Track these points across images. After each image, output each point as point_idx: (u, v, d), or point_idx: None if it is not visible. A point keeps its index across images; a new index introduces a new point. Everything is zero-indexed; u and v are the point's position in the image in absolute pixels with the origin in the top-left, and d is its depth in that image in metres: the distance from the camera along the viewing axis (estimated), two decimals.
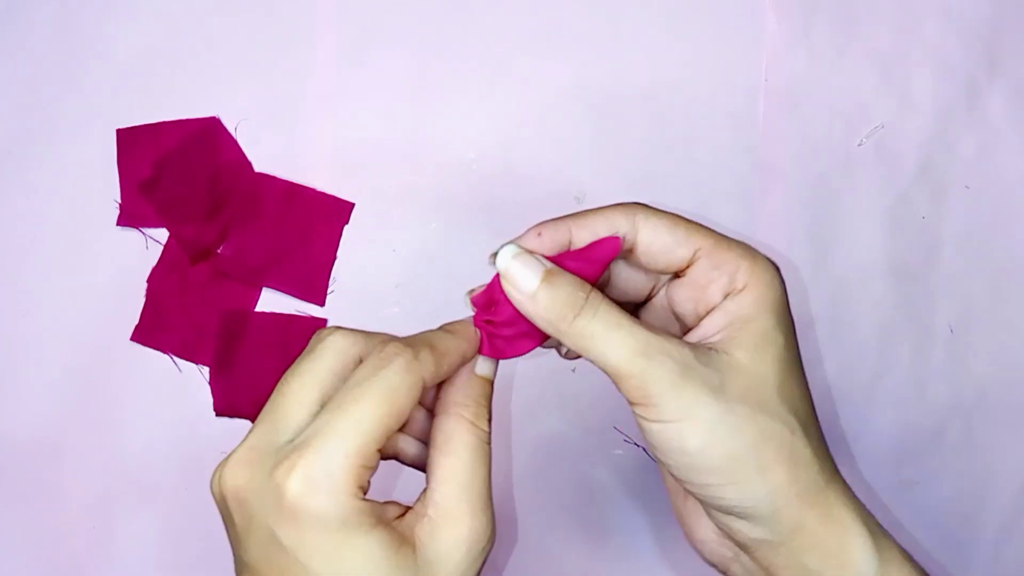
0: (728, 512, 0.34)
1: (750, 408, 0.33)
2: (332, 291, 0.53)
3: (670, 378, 0.32)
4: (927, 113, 0.54)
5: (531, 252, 0.34)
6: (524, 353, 0.36)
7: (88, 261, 0.53)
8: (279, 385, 0.33)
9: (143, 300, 0.53)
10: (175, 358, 0.53)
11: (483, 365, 0.36)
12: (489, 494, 0.34)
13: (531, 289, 0.34)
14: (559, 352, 0.39)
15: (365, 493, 0.31)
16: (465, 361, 0.35)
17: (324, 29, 0.54)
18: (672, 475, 0.34)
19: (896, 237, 0.54)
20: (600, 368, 0.34)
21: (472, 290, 0.36)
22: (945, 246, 0.54)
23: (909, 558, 0.35)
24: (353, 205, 0.53)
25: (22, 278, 0.53)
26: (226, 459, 0.33)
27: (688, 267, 0.36)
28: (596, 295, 0.34)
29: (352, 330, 0.34)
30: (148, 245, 0.53)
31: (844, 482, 0.35)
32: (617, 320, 0.33)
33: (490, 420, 0.35)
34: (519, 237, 0.35)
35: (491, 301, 0.36)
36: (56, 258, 0.53)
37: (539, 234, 0.35)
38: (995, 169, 0.54)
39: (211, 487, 0.34)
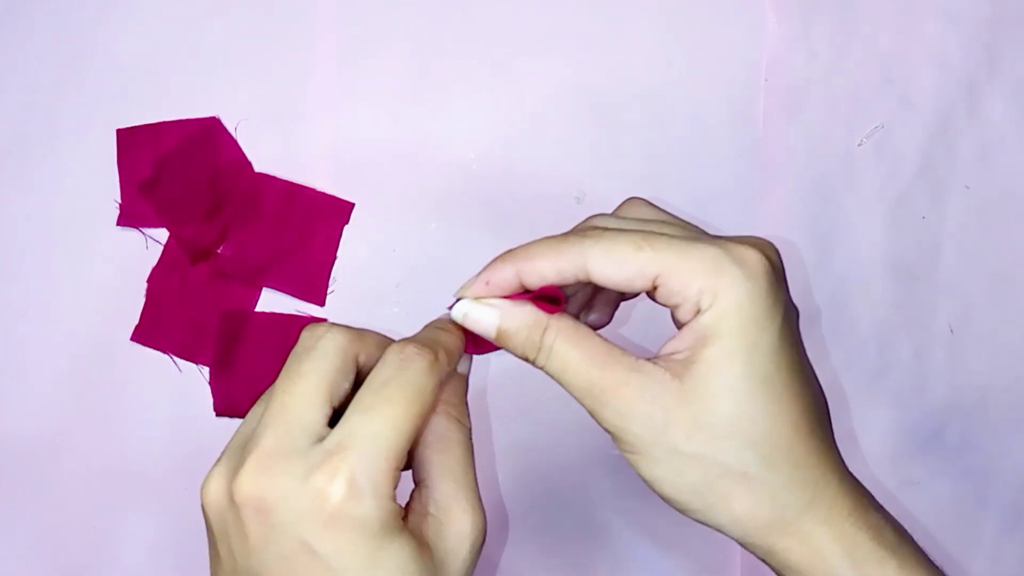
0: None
1: (696, 446, 0.32)
2: (332, 291, 0.53)
3: (614, 420, 0.33)
4: (927, 113, 0.54)
5: (482, 299, 0.35)
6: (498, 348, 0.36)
7: (88, 261, 0.53)
8: (284, 385, 0.32)
9: (143, 300, 0.53)
10: (175, 358, 0.53)
11: (463, 363, 0.37)
12: (477, 488, 0.34)
13: (491, 334, 0.35)
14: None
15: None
16: (460, 357, 0.36)
17: (324, 29, 0.54)
18: None
19: (896, 237, 0.54)
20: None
21: (460, 288, 0.36)
22: (945, 246, 0.54)
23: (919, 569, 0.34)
24: (353, 205, 0.53)
25: (22, 278, 0.53)
26: (238, 467, 0.31)
27: (654, 290, 0.34)
28: (550, 333, 0.34)
29: (346, 327, 0.34)
30: (148, 245, 0.53)
31: (834, 500, 0.33)
32: (566, 360, 0.34)
33: (469, 417, 0.36)
34: (467, 285, 0.35)
35: None
36: (56, 258, 0.53)
37: (487, 283, 0.35)
38: (995, 169, 0.54)
39: (205, 497, 0.32)
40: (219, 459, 0.33)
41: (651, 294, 0.34)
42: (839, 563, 0.33)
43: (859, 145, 0.54)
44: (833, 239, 0.54)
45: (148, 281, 0.53)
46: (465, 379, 0.37)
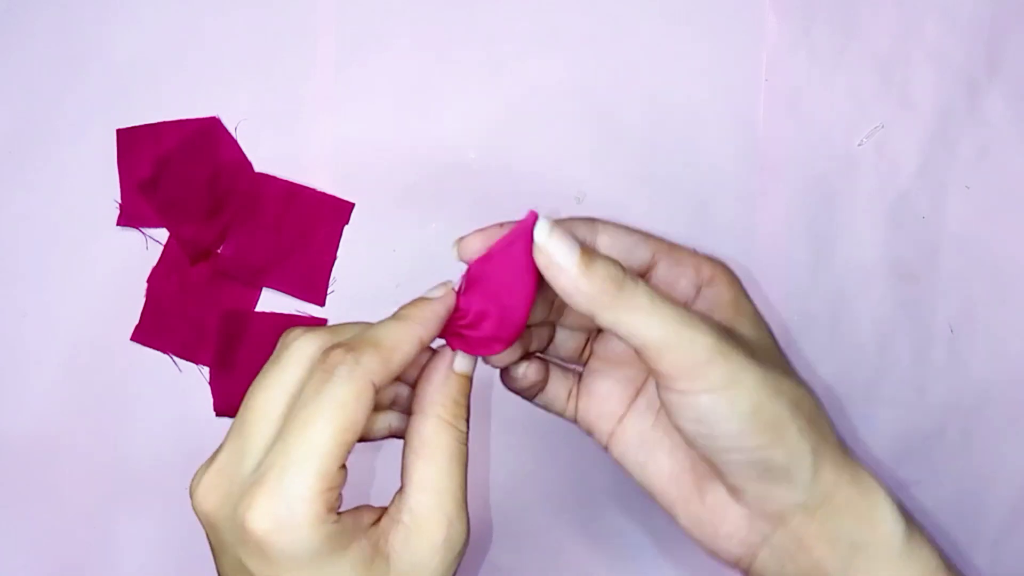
0: (772, 477, 0.34)
1: (779, 372, 0.34)
2: (332, 291, 0.53)
3: (717, 345, 0.32)
4: (927, 113, 0.54)
5: (563, 228, 0.34)
6: (495, 353, 0.35)
7: (88, 261, 0.53)
8: (246, 397, 0.32)
9: (143, 300, 0.53)
10: (175, 358, 0.53)
11: (462, 361, 0.35)
12: (464, 497, 0.33)
13: (572, 264, 0.32)
14: (509, 380, 0.38)
15: (337, 509, 0.31)
16: (423, 346, 0.34)
17: (324, 29, 0.54)
18: (713, 448, 0.34)
19: (896, 237, 0.54)
20: (637, 344, 0.33)
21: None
22: (945, 246, 0.54)
23: (926, 531, 0.36)
24: (353, 205, 0.53)
25: (22, 278, 0.53)
26: (199, 476, 0.33)
27: (651, 270, 0.37)
28: (631, 272, 0.33)
29: (319, 330, 0.33)
30: (148, 245, 0.53)
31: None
32: (657, 294, 0.33)
33: (468, 419, 0.35)
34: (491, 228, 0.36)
35: (484, 286, 0.34)
36: (56, 258, 0.53)
37: (500, 225, 0.35)
38: (995, 169, 0.54)
39: (190, 493, 0.33)
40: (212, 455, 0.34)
41: (645, 276, 0.37)
42: (884, 497, 0.35)
43: (859, 145, 0.54)
44: (833, 239, 0.54)
45: (148, 281, 0.53)
46: (464, 379, 0.35)
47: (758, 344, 0.35)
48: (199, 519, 0.33)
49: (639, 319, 0.32)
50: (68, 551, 0.52)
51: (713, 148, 0.54)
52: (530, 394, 0.39)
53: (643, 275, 0.37)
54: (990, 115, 0.54)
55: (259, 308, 0.53)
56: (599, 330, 0.40)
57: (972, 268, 0.54)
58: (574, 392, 0.40)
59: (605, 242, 0.36)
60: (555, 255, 0.32)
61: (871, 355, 0.53)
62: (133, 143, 0.53)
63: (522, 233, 0.33)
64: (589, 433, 0.40)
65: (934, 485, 0.53)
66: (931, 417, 0.53)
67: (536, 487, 0.52)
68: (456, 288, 0.35)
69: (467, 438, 0.34)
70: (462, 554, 0.33)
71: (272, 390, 0.32)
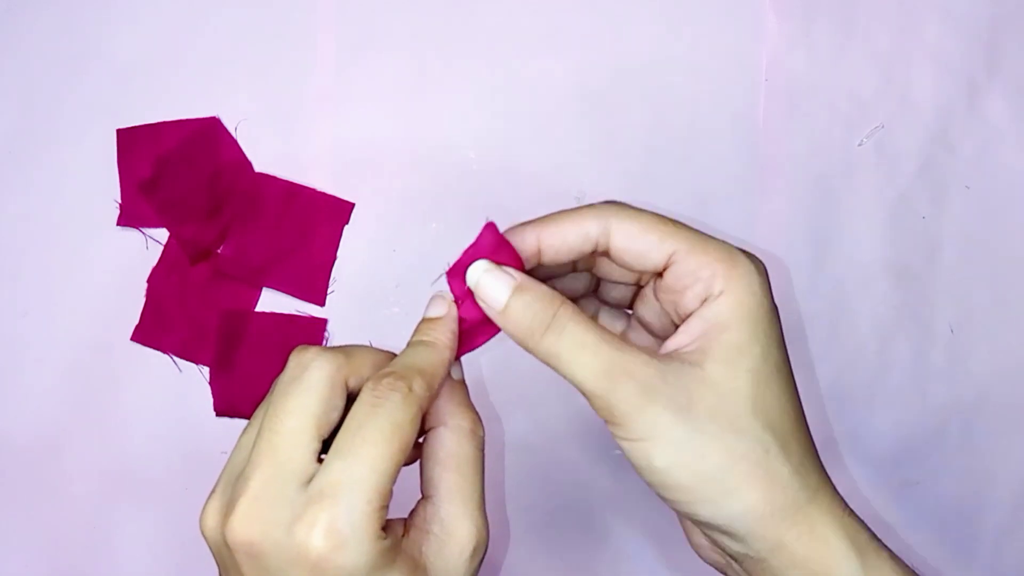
0: (705, 527, 0.34)
1: (719, 427, 0.32)
2: (332, 291, 0.53)
3: (633, 400, 0.32)
4: (927, 113, 0.54)
5: (500, 266, 0.34)
6: (484, 342, 0.36)
7: (88, 261, 0.53)
8: (271, 420, 0.32)
9: (143, 300, 0.53)
10: (175, 358, 0.53)
11: (455, 369, 0.36)
12: (484, 502, 0.34)
13: (501, 304, 0.34)
14: None
15: (385, 529, 0.31)
16: (449, 369, 0.35)
17: (324, 29, 0.54)
18: (652, 488, 0.34)
19: (896, 237, 0.54)
20: (569, 382, 0.34)
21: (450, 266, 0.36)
22: (945, 246, 0.54)
23: (901, 568, 0.34)
24: (353, 205, 0.53)
25: (22, 278, 0.53)
26: (227, 508, 0.32)
27: (664, 271, 0.35)
28: (566, 311, 0.33)
29: (334, 351, 0.33)
30: (148, 245, 0.53)
31: (833, 493, 0.34)
32: (583, 339, 0.33)
33: (481, 421, 0.35)
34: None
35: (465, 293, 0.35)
36: (56, 258, 0.53)
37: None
38: (995, 169, 0.54)
39: (203, 529, 0.33)
40: (214, 490, 0.33)
41: (653, 278, 0.35)
42: (845, 552, 0.33)
43: (859, 145, 0.54)
44: (833, 239, 0.54)
45: (148, 281, 0.53)
46: (463, 384, 0.36)
47: (718, 389, 0.32)
48: (226, 550, 0.32)
49: (564, 365, 0.33)
50: (68, 551, 0.52)
51: (713, 147, 0.54)
52: None
53: (659, 273, 0.35)
54: (990, 115, 0.54)
55: (259, 308, 0.53)
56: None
57: (972, 268, 0.54)
58: None
59: (617, 243, 0.34)
60: (486, 295, 0.34)
61: (871, 355, 0.53)
62: (133, 143, 0.53)
63: (480, 239, 0.35)
64: None
65: (934, 485, 0.53)
66: (931, 417, 0.53)
67: (535, 488, 0.52)
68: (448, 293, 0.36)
69: (484, 444, 0.35)
70: (483, 559, 0.34)
71: (299, 413, 0.32)
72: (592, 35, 0.54)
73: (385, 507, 0.31)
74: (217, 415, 0.52)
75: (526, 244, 0.35)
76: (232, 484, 0.32)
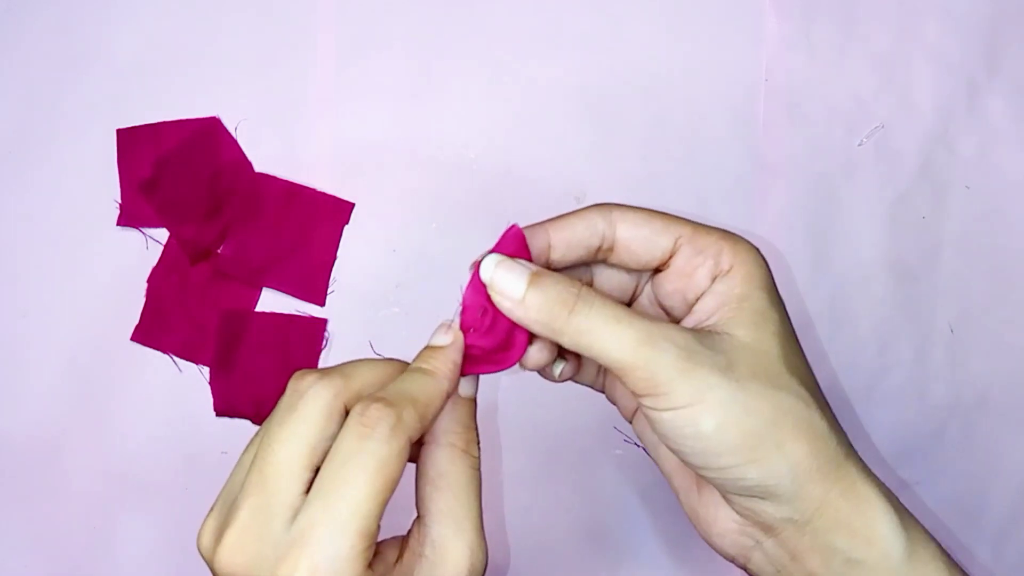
0: (751, 494, 0.33)
1: (761, 384, 0.32)
2: (332, 291, 0.53)
3: (677, 363, 0.32)
4: (927, 113, 0.54)
5: (513, 257, 0.34)
6: (506, 367, 0.35)
7: (88, 261, 0.53)
8: (263, 450, 0.31)
9: (143, 300, 0.53)
10: (175, 358, 0.53)
11: (466, 386, 0.35)
12: (481, 523, 0.33)
13: (519, 294, 0.33)
14: (548, 376, 0.38)
15: (372, 561, 0.30)
16: (447, 400, 0.34)
17: (324, 29, 0.54)
18: (689, 463, 0.34)
19: (896, 237, 0.54)
20: (602, 363, 0.33)
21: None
22: (945, 246, 0.54)
23: (931, 537, 0.34)
24: (353, 205, 0.53)
25: (22, 278, 0.53)
26: (219, 536, 0.31)
27: (671, 258, 0.35)
28: (588, 289, 0.33)
29: (333, 376, 0.32)
30: (148, 245, 0.53)
31: (860, 458, 0.34)
32: (614, 312, 0.33)
33: (479, 444, 0.34)
34: (497, 245, 0.35)
35: (483, 307, 0.34)
36: (56, 258, 0.53)
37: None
38: (995, 169, 0.54)
39: (199, 547, 0.32)
40: (212, 507, 0.33)
41: (661, 268, 0.36)
42: (885, 510, 0.33)
43: (859, 145, 0.54)
44: (833, 239, 0.54)
45: (148, 281, 0.53)
46: (469, 403, 0.35)
47: (751, 350, 0.33)
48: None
49: (597, 341, 0.32)
50: (68, 551, 0.52)
51: (713, 148, 0.54)
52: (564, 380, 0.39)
53: (662, 266, 0.36)
54: (990, 115, 0.54)
55: (259, 308, 0.53)
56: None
57: (972, 268, 0.54)
58: (601, 368, 0.40)
59: (623, 233, 0.35)
60: (502, 288, 0.33)
61: (871, 355, 0.53)
62: (133, 143, 0.53)
63: (499, 246, 0.35)
64: (615, 404, 0.41)
65: (934, 485, 0.53)
66: (931, 417, 0.53)
67: (536, 488, 0.52)
68: (455, 321, 0.35)
69: (479, 463, 0.34)
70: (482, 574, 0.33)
71: (291, 444, 0.31)
72: (592, 35, 0.54)
73: (371, 546, 0.30)
74: (217, 415, 0.52)
75: (537, 241, 0.35)
76: (228, 505, 0.32)
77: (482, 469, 0.34)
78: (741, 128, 0.54)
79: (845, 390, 0.53)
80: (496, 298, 0.34)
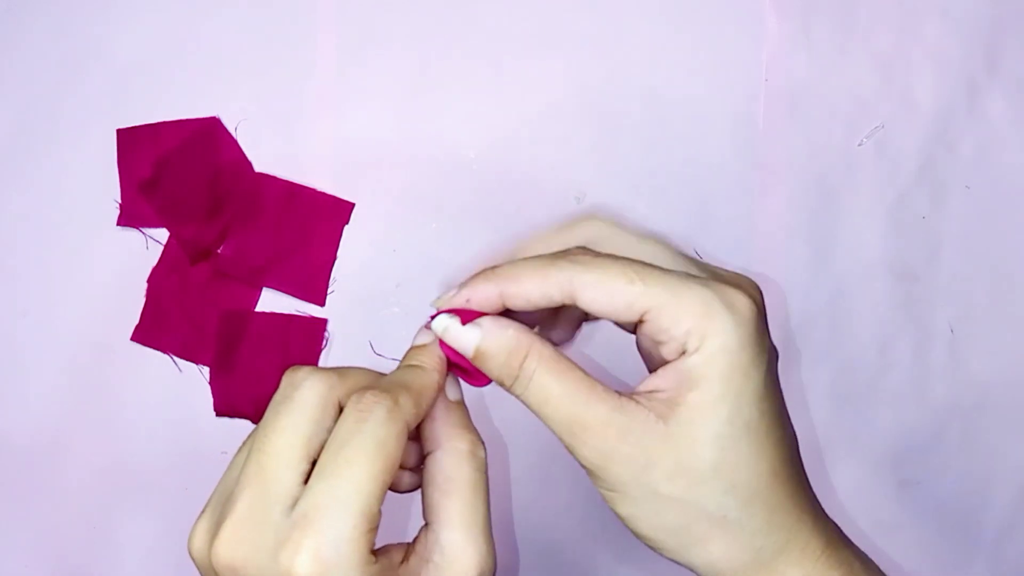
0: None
1: (676, 489, 0.32)
2: (332, 291, 0.53)
3: (593, 456, 0.32)
4: (927, 113, 0.54)
5: (465, 318, 0.34)
6: (479, 385, 0.35)
7: (88, 261, 0.53)
8: (260, 441, 0.31)
9: (143, 300, 0.53)
10: (175, 358, 0.53)
11: (452, 390, 0.35)
12: (490, 527, 0.33)
13: (470, 355, 0.34)
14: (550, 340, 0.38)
15: (373, 549, 0.31)
16: (440, 392, 0.34)
17: (324, 29, 0.54)
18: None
19: (896, 237, 0.54)
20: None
21: (438, 298, 0.35)
22: (945, 246, 0.54)
23: None
24: (353, 205, 0.53)
25: (22, 278, 0.53)
26: (215, 531, 0.31)
27: (641, 324, 0.33)
28: (531, 360, 0.33)
29: (327, 371, 0.33)
30: (148, 245, 0.53)
31: (808, 538, 0.34)
32: (547, 393, 0.33)
33: (483, 444, 0.34)
34: (447, 299, 0.35)
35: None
36: (56, 258, 0.53)
37: (467, 300, 0.34)
38: (995, 169, 0.54)
39: (191, 548, 0.32)
40: (204, 509, 0.33)
41: (634, 327, 0.34)
42: None
43: (859, 145, 0.54)
44: (833, 239, 0.54)
45: (148, 281, 0.53)
46: (462, 405, 0.35)
47: (680, 447, 0.32)
48: (220, 574, 0.31)
49: (534, 411, 0.33)
50: (68, 551, 0.52)
51: (713, 147, 0.54)
52: None
53: (635, 326, 0.34)
54: (990, 115, 0.54)
55: (259, 308, 0.53)
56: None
57: (972, 268, 0.54)
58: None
59: (584, 300, 0.33)
60: (455, 345, 0.34)
61: (871, 355, 0.53)
62: (133, 143, 0.53)
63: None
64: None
65: (934, 485, 0.53)
66: (931, 417, 0.53)
67: (535, 488, 0.52)
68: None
69: (486, 463, 0.34)
70: None
71: (288, 433, 0.31)
72: (592, 35, 0.54)
73: (373, 529, 0.30)
74: (217, 415, 0.52)
75: (489, 299, 0.34)
76: (222, 504, 0.32)
77: (488, 493, 0.34)
78: (741, 128, 0.54)
79: (845, 390, 0.53)
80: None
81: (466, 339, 0.34)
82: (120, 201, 0.53)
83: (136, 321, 0.53)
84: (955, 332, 0.53)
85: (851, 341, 0.53)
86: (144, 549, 0.52)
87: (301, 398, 0.32)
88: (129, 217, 0.53)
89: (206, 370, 0.53)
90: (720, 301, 0.32)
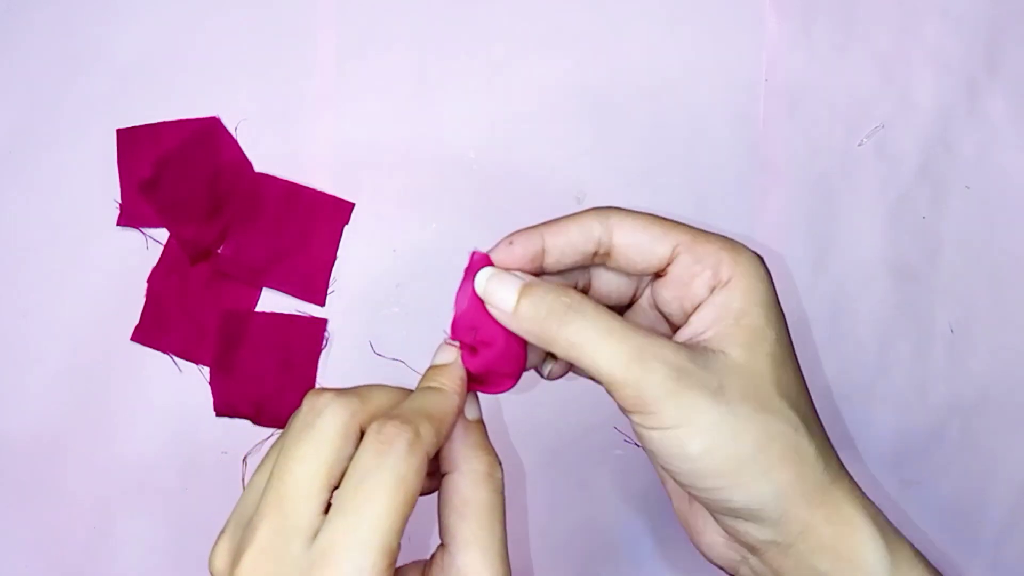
0: (736, 515, 0.33)
1: (751, 408, 0.32)
2: (332, 291, 0.53)
3: (666, 384, 0.32)
4: (927, 113, 0.54)
5: (506, 269, 0.34)
6: (509, 388, 0.35)
7: (88, 261, 0.53)
8: (280, 469, 0.31)
9: (143, 300, 0.53)
10: (175, 358, 0.53)
11: (471, 409, 0.35)
12: (506, 548, 0.33)
13: (511, 306, 0.33)
14: (540, 374, 0.38)
15: None
16: (460, 414, 0.34)
17: (324, 29, 0.54)
18: (677, 481, 0.34)
19: (896, 237, 0.54)
20: (592, 377, 0.33)
21: (451, 325, 0.35)
22: (945, 246, 0.54)
23: (920, 556, 0.34)
24: (353, 205, 0.53)
25: (22, 278, 0.53)
26: (234, 558, 0.31)
27: (669, 265, 0.35)
28: (582, 300, 0.33)
29: (350, 395, 0.32)
30: (148, 245, 0.53)
31: (851, 479, 0.34)
32: (607, 325, 0.32)
33: (500, 464, 0.34)
34: (492, 249, 0.35)
35: (472, 326, 0.35)
36: (56, 258, 0.53)
37: (511, 243, 0.34)
38: (995, 169, 0.54)
39: (211, 570, 0.32)
40: (224, 529, 0.32)
41: (660, 274, 0.35)
42: (871, 534, 0.33)
43: (859, 145, 0.54)
44: (833, 239, 0.54)
45: (148, 281, 0.53)
46: (480, 424, 0.35)
47: (743, 371, 0.33)
48: None
49: (587, 355, 0.32)
50: (68, 551, 0.52)
51: (713, 147, 0.54)
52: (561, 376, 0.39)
53: (660, 273, 0.35)
54: (990, 115, 0.54)
55: (259, 308, 0.53)
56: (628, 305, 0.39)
57: (972, 268, 0.54)
58: None
59: (620, 239, 0.34)
60: (495, 301, 0.34)
61: (871, 355, 0.53)
62: (133, 143, 0.53)
63: (470, 273, 0.35)
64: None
65: (934, 485, 0.53)
66: (931, 417, 0.53)
67: (535, 488, 0.52)
68: (450, 338, 0.35)
69: (503, 486, 0.34)
70: None
71: (309, 462, 0.31)
72: (592, 35, 0.54)
73: (392, 564, 0.30)
74: (217, 415, 0.52)
75: (531, 245, 0.34)
76: (242, 527, 0.32)
77: (504, 515, 0.33)
78: (741, 128, 0.54)
79: (845, 390, 0.53)
80: (491, 310, 0.34)
81: (509, 285, 0.34)
82: (120, 201, 0.53)
83: (136, 321, 0.53)
84: (955, 332, 0.53)
85: (851, 341, 0.53)
86: (144, 549, 0.52)
87: (323, 426, 0.31)
88: (129, 217, 0.53)
89: (206, 370, 0.53)
90: (738, 243, 0.35)
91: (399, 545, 0.30)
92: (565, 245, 0.35)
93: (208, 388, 0.52)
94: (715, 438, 0.32)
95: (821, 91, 0.54)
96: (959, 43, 0.54)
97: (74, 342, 0.53)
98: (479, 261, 0.35)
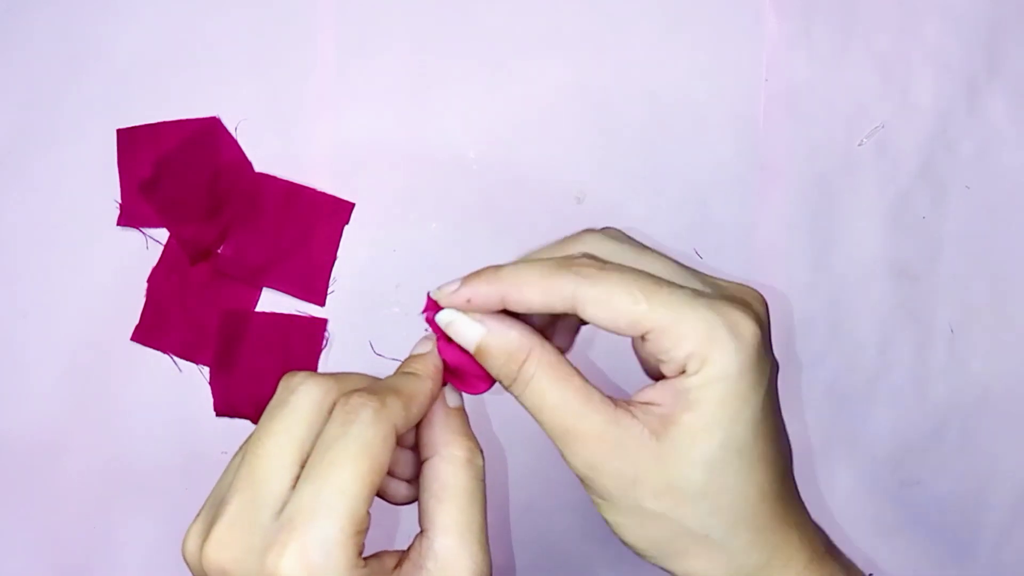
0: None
1: (661, 506, 0.32)
2: (332, 291, 0.53)
3: (583, 467, 0.33)
4: (927, 113, 0.54)
5: (464, 313, 0.34)
6: (484, 390, 0.35)
7: (88, 261, 0.53)
8: (253, 444, 0.32)
9: (143, 300, 0.53)
10: (175, 358, 0.53)
11: (452, 396, 0.35)
12: (486, 535, 0.33)
13: (472, 350, 0.34)
14: None
15: (362, 553, 0.30)
16: (434, 399, 0.34)
17: (324, 29, 0.54)
18: None
19: (896, 237, 0.54)
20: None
21: (438, 288, 0.35)
22: (945, 246, 0.54)
23: None
24: (353, 205, 0.53)
25: (22, 278, 0.53)
26: (207, 534, 0.31)
27: (643, 340, 0.33)
28: (531, 364, 0.33)
29: (324, 376, 0.33)
30: (148, 245, 0.53)
31: (792, 553, 0.34)
32: (542, 400, 0.33)
33: (481, 451, 0.34)
34: (446, 291, 0.34)
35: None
36: (56, 258, 0.53)
37: (468, 301, 0.34)
38: (995, 169, 0.54)
39: (184, 551, 0.32)
40: (199, 512, 0.33)
41: (635, 343, 0.34)
42: None
43: (859, 145, 0.54)
44: (833, 239, 0.54)
45: (148, 281, 0.53)
46: (462, 411, 0.35)
47: (667, 468, 0.32)
48: (203, 574, 0.31)
49: (532, 409, 0.33)
50: (68, 551, 0.52)
51: (713, 148, 0.54)
52: None
53: (636, 342, 0.34)
54: (990, 115, 0.54)
55: (259, 308, 0.53)
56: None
57: (972, 268, 0.54)
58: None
59: (587, 314, 0.32)
60: (458, 341, 0.34)
61: (871, 355, 0.53)
62: (133, 143, 0.53)
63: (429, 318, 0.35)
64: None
65: (934, 485, 0.53)
66: (931, 417, 0.53)
67: (534, 487, 0.52)
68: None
69: (484, 471, 0.34)
70: None
71: (281, 436, 0.31)
72: (592, 35, 0.54)
73: (361, 532, 0.30)
74: (217, 415, 0.52)
75: (489, 301, 0.34)
76: (215, 508, 0.32)
77: (485, 501, 0.34)
78: (741, 128, 0.54)
79: (845, 390, 0.53)
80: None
81: (470, 335, 0.34)
82: (120, 201, 0.53)
83: (136, 321, 0.53)
84: (955, 332, 0.53)
85: (851, 341, 0.53)
86: (144, 549, 0.52)
87: (296, 402, 0.32)
88: (129, 217, 0.53)
89: (206, 370, 0.53)
90: (724, 325, 0.31)
91: (368, 515, 0.30)
92: (525, 308, 0.33)
93: (208, 388, 0.52)
94: (624, 519, 0.33)
95: (821, 91, 0.54)
96: (959, 43, 0.54)
97: (74, 342, 0.53)
98: (431, 307, 0.35)
